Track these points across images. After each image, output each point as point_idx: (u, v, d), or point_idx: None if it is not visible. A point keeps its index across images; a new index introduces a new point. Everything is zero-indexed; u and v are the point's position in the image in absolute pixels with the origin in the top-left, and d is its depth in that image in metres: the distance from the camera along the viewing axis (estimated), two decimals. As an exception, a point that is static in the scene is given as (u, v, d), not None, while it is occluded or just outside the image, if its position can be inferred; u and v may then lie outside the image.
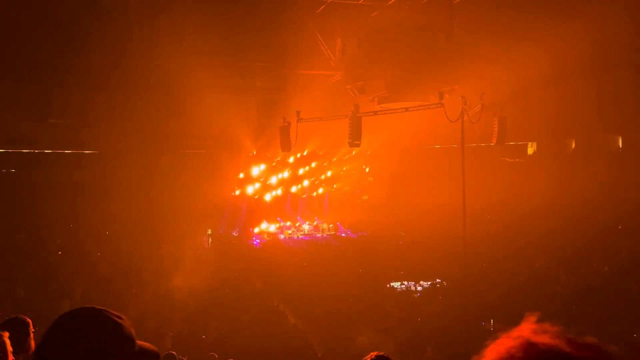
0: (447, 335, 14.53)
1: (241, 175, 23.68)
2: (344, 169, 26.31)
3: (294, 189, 25.51)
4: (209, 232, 22.69)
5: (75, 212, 19.63)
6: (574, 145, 23.52)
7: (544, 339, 0.99)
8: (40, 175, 19.67)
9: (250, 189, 23.85)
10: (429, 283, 18.46)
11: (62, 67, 15.82)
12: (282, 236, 24.39)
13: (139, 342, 1.75)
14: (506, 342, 1.02)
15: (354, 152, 23.87)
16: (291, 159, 24.24)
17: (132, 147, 19.23)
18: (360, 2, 14.00)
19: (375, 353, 2.27)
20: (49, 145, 19.44)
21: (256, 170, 23.75)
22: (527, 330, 1.03)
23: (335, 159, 25.59)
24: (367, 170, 26.64)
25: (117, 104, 17.55)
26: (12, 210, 18.14)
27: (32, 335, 3.87)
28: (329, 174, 26.36)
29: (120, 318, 1.73)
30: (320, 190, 26.54)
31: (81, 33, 14.09)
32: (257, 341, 14.00)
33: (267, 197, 24.56)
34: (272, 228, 24.71)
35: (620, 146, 22.23)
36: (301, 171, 25.35)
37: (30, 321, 3.87)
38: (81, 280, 16.24)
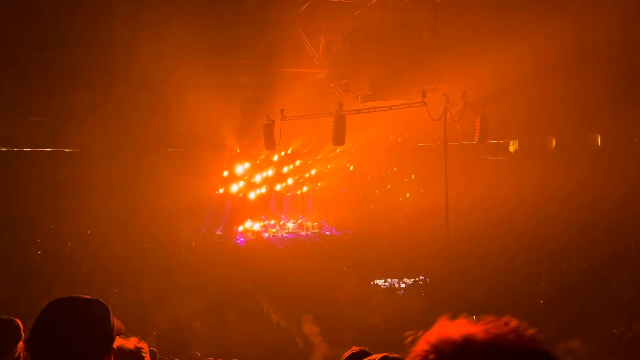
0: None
1: (225, 174, 23.57)
2: (328, 167, 26.32)
3: (278, 187, 25.46)
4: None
5: (56, 211, 19.38)
6: (554, 143, 23.84)
7: (459, 326, 1.09)
8: (20, 174, 19.32)
9: (234, 187, 23.76)
10: (412, 280, 18.58)
11: (43, 64, 15.58)
12: (266, 234, 24.33)
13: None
14: (426, 336, 1.13)
15: (338, 150, 23.89)
16: (275, 157, 24.19)
17: (114, 145, 19.02)
18: (343, 0, 14.01)
19: (356, 348, 2.30)
20: (29, 143, 19.16)
21: (240, 168, 23.67)
22: (444, 320, 1.14)
23: (319, 157, 25.59)
24: (351, 168, 26.69)
25: (99, 102, 17.35)
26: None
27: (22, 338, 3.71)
28: (313, 172, 26.35)
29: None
30: (305, 189, 26.53)
31: (62, 30, 13.90)
32: (241, 339, 13.97)
33: (251, 195, 24.49)
34: (257, 226, 24.64)
35: (599, 144, 22.59)
36: (285, 169, 25.32)
37: (21, 325, 3.70)
38: (63, 279, 16.05)
